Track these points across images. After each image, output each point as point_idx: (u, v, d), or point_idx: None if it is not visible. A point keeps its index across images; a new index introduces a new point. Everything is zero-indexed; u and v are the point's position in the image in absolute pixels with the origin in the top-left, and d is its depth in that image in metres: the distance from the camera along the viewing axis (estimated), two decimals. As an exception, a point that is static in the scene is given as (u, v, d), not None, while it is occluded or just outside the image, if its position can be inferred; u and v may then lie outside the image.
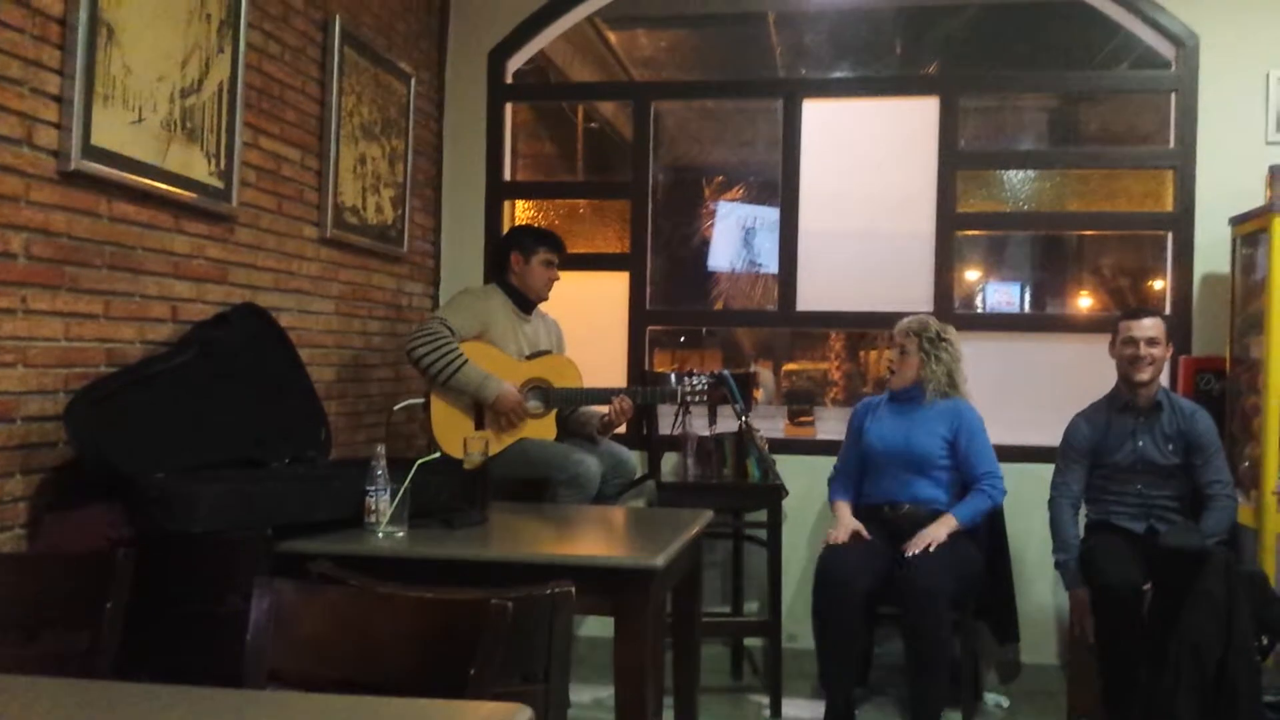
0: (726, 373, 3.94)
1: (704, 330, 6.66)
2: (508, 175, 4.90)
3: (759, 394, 4.60)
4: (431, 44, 4.67)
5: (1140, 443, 3.66)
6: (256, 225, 3.37)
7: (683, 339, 7.03)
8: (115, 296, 2.76)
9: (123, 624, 1.97)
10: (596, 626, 4.09)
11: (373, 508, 2.64)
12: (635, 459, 4.03)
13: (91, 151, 2.61)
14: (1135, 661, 3.26)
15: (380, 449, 2.69)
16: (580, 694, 3.83)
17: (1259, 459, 3.80)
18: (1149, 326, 3.68)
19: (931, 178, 4.56)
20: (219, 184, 3.12)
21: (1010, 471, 3.81)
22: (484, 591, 1.87)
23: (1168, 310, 4.37)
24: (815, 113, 4.70)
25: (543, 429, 3.73)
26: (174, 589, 2.36)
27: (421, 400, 3.78)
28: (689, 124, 6.65)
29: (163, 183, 2.88)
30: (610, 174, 6.72)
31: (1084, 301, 6.64)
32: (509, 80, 4.86)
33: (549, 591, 2.14)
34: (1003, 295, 5.50)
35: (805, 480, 4.34)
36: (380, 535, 2.63)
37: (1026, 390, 4.44)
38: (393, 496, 2.65)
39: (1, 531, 2.45)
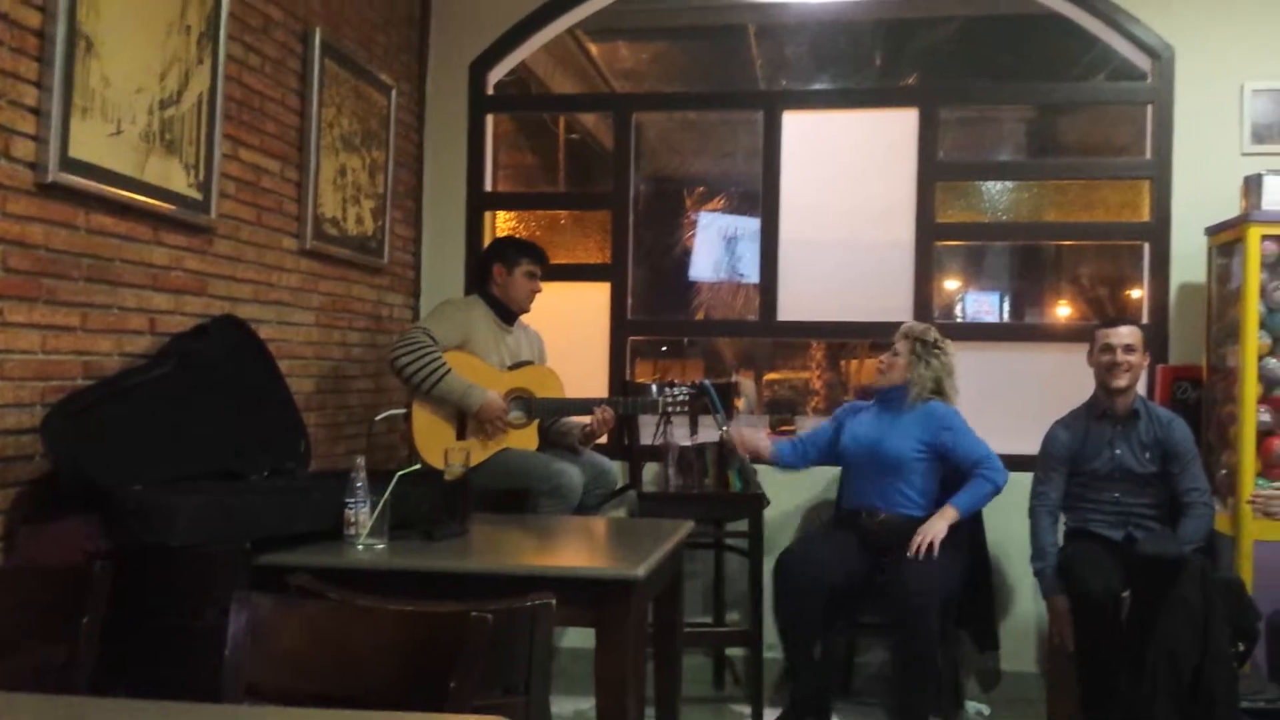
0: (708, 383, 3.94)
1: (686, 340, 6.68)
2: (489, 186, 4.90)
3: (740, 403, 4.62)
4: (412, 56, 4.67)
5: (1118, 451, 3.69)
6: (236, 237, 3.36)
7: (664, 349, 7.05)
8: (93, 309, 2.74)
9: (100, 638, 1.96)
10: (578, 638, 4.09)
11: (352, 520, 2.63)
12: (617, 469, 4.03)
13: (69, 164, 2.59)
14: (1114, 669, 3.28)
15: (360, 460, 2.68)
16: (562, 705, 3.82)
17: (1235, 467, 3.83)
18: (1126, 334, 3.71)
19: (911, 188, 4.59)
20: (198, 195, 3.12)
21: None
22: (464, 604, 1.87)
23: (1145, 319, 4.40)
24: (795, 124, 4.72)
25: (524, 439, 3.73)
26: (151, 602, 2.34)
27: (402, 411, 3.77)
28: (670, 135, 6.67)
29: (141, 194, 2.87)
30: (591, 185, 6.73)
31: (1062, 311, 6.69)
32: (490, 91, 4.87)
33: (529, 603, 2.14)
34: (982, 305, 5.54)
35: (786, 490, 4.35)
36: (360, 548, 2.62)
37: (1005, 399, 4.46)
38: (373, 508, 2.64)
39: (-23, 546, 2.43)
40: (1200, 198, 4.30)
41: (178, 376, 2.86)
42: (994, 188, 4.98)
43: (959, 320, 5.19)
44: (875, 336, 4.43)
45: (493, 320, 3.87)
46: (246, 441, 3.02)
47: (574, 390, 3.96)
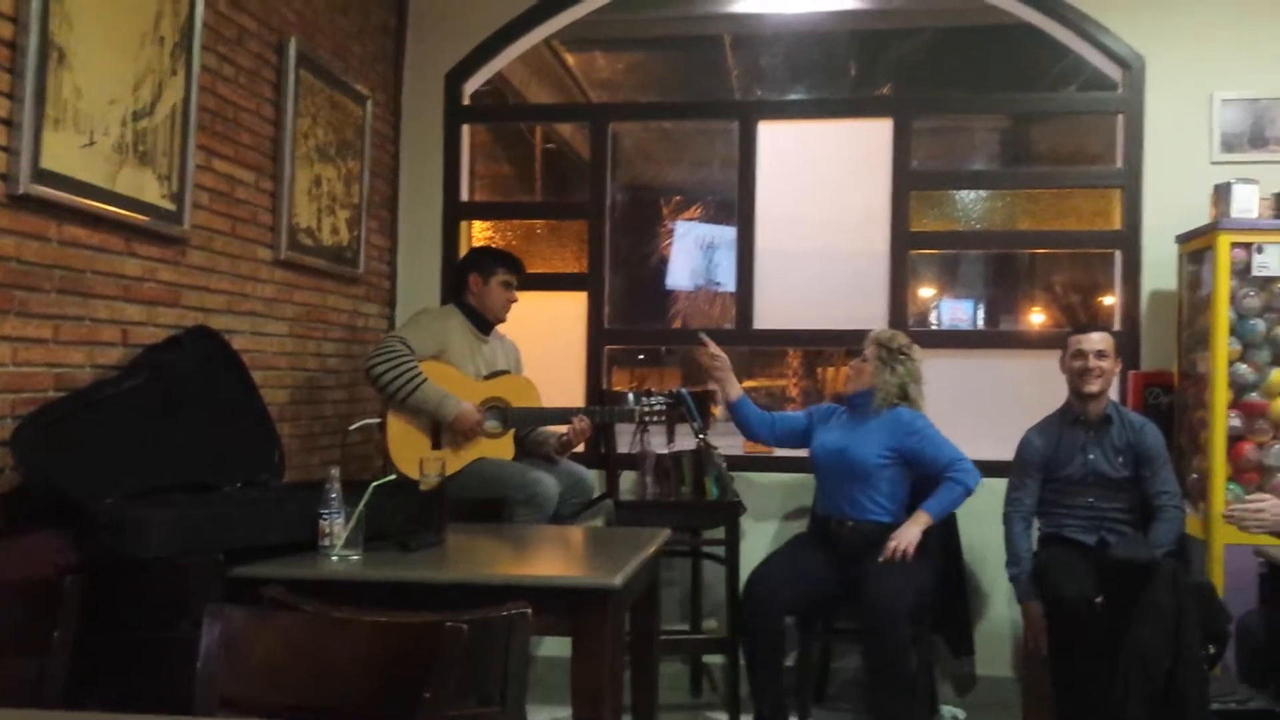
0: (684, 391, 3.95)
1: (664, 349, 6.71)
2: (465, 196, 4.90)
3: (718, 411, 4.63)
4: (388, 66, 4.67)
5: (1091, 456, 3.72)
6: (209, 247, 3.35)
7: (642, 357, 7.07)
8: (64, 320, 2.73)
9: (71, 651, 1.95)
10: (555, 647, 4.08)
11: (327, 531, 2.62)
12: (593, 478, 4.03)
13: (41, 175, 2.58)
14: (1087, 672, 3.30)
15: (334, 471, 2.67)
16: (539, 715, 3.81)
17: (1207, 471, 3.87)
18: (1098, 340, 3.75)
19: (886, 198, 4.62)
20: (171, 206, 3.11)
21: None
22: (440, 614, 1.87)
23: (1117, 326, 4.45)
24: (771, 134, 4.74)
25: (500, 449, 3.73)
26: (124, 615, 2.33)
27: (377, 421, 3.76)
28: (646, 145, 6.70)
29: (114, 206, 2.85)
30: (568, 194, 6.75)
31: (1036, 318, 6.75)
32: (466, 102, 4.87)
33: (505, 613, 2.14)
34: (957, 312, 5.58)
35: (763, 497, 4.37)
36: (335, 559, 2.61)
37: (980, 406, 4.49)
38: (347, 519, 2.63)
39: (-53, 559, 2.41)
40: (1171, 206, 4.35)
41: (150, 388, 2.84)
42: (968, 197, 5.02)
43: (934, 328, 5.22)
44: (851, 345, 4.45)
45: (469, 330, 3.87)
46: (219, 453, 3.00)
47: (551, 399, 3.96)
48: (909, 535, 3.58)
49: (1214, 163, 4.35)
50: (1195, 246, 4.13)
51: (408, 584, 2.52)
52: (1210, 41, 4.42)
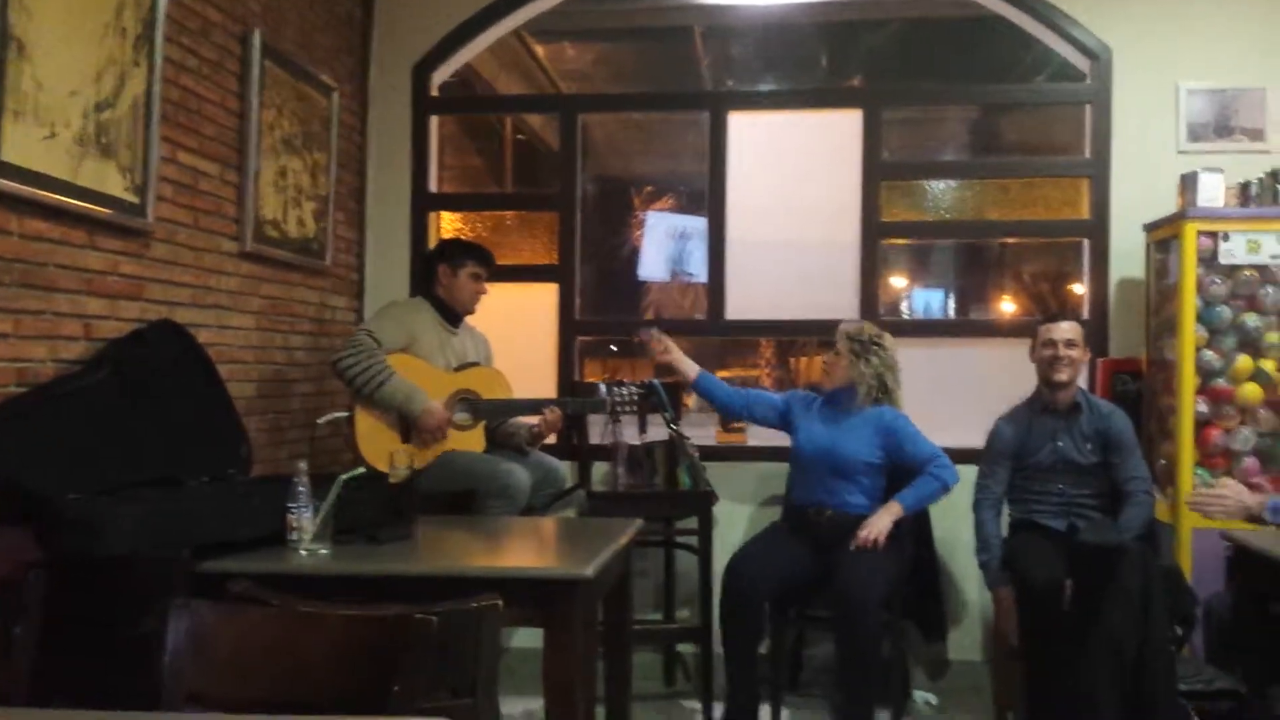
0: (656, 381, 3.95)
1: (636, 339, 6.70)
2: (434, 187, 4.87)
3: (690, 401, 4.63)
4: (354, 57, 4.63)
5: (1060, 443, 3.75)
6: (173, 240, 3.31)
7: (614, 349, 7.06)
8: (26, 315, 2.69)
9: (37, 648, 1.93)
10: (529, 638, 4.08)
11: (295, 525, 2.60)
12: (565, 469, 4.02)
13: (1, 168, 2.54)
14: (1057, 656, 3.32)
15: (302, 464, 2.65)
16: (512, 706, 3.81)
17: (1174, 457, 3.91)
18: (1067, 329, 3.77)
19: (856, 188, 4.63)
20: (134, 199, 3.07)
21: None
22: (410, 607, 1.86)
23: (1085, 314, 4.48)
24: (741, 125, 4.74)
25: (471, 441, 3.71)
26: (90, 612, 2.30)
27: (346, 414, 3.74)
28: (617, 136, 6.68)
29: (76, 199, 2.82)
30: (539, 185, 6.72)
31: (1007, 306, 6.79)
32: (434, 93, 4.84)
33: (474, 605, 2.13)
34: (928, 302, 5.61)
35: (736, 486, 4.38)
36: (303, 553, 2.59)
37: (951, 394, 4.51)
38: (316, 513, 2.61)
39: (-92, 558, 2.37)
40: (1138, 195, 4.39)
41: (114, 383, 2.81)
42: (938, 187, 5.04)
43: (905, 317, 5.24)
44: (823, 335, 4.45)
45: (438, 322, 3.84)
46: (185, 448, 2.97)
47: (523, 392, 3.94)
48: (879, 524, 3.59)
49: (1180, 152, 4.39)
50: (1162, 235, 4.16)
51: (378, 577, 2.50)
52: (1176, 32, 4.45)
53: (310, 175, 4.14)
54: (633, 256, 5.52)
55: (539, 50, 6.15)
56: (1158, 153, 4.41)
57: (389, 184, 4.75)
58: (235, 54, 3.63)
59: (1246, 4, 4.42)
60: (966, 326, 5.54)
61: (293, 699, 1.73)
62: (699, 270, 4.91)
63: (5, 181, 2.56)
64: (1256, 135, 4.36)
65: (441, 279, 3.88)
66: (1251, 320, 3.90)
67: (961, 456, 3.86)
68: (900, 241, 5.41)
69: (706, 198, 4.74)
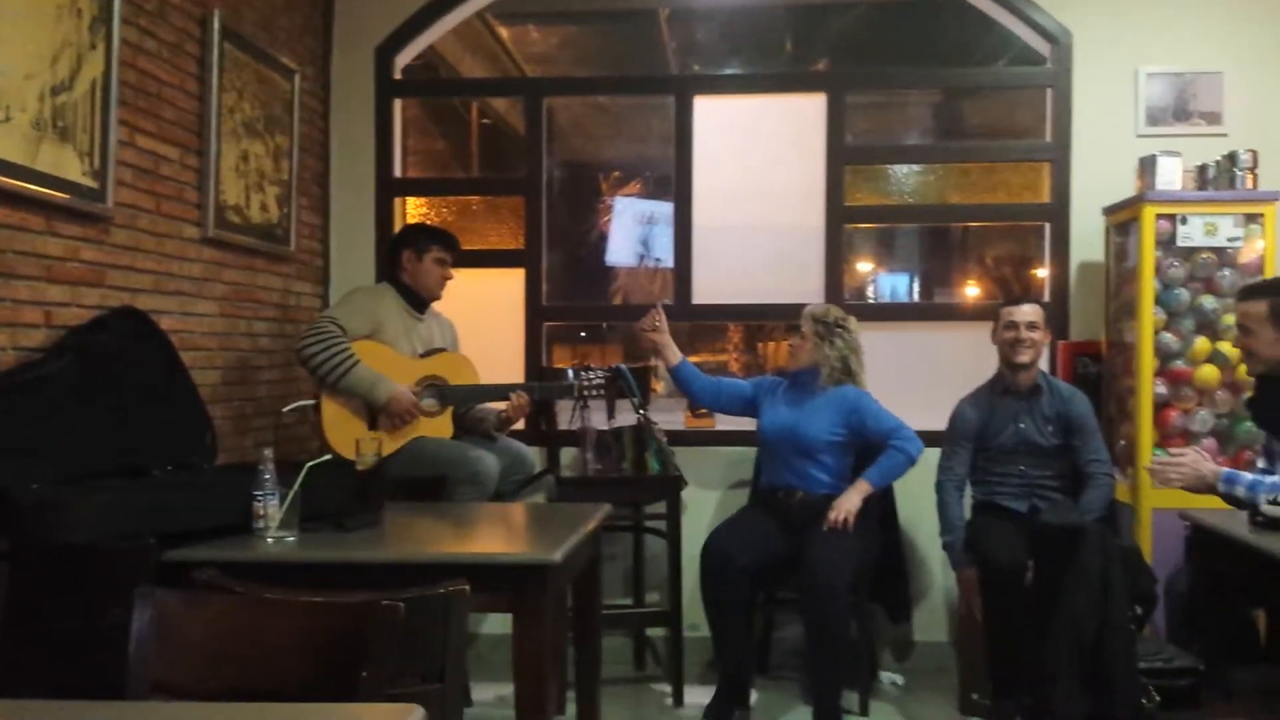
0: (623, 366, 3.95)
1: (605, 325, 6.69)
2: (398, 172, 4.83)
3: (659, 386, 4.64)
4: (316, 40, 4.58)
5: (1022, 425, 3.79)
6: (134, 226, 3.27)
7: (584, 334, 7.05)
8: (-16, 302, 2.65)
9: (0, 639, 1.91)
10: (499, 624, 4.08)
11: (261, 512, 2.58)
12: (534, 455, 4.02)
13: (-46, 152, 2.50)
14: (1020, 636, 3.37)
15: (267, 452, 2.63)
16: (483, 692, 3.82)
17: (1134, 438, 3.97)
18: (1028, 312, 3.82)
19: (821, 172, 4.64)
20: (93, 184, 3.02)
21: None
22: (378, 594, 1.85)
23: (1046, 297, 4.52)
24: (707, 109, 4.74)
25: (439, 427, 3.70)
26: (53, 602, 2.28)
27: (312, 402, 3.71)
28: (583, 119, 6.65)
29: (33, 184, 2.77)
30: (505, 170, 6.69)
31: (970, 290, 6.84)
32: (398, 76, 4.80)
33: (442, 590, 2.13)
34: (893, 286, 5.65)
35: (705, 471, 4.39)
36: (270, 540, 2.58)
37: (915, 377, 4.55)
38: (282, 500, 2.60)
39: None
40: (1098, 179, 4.43)
41: (76, 371, 2.78)
42: (901, 171, 5.07)
43: (871, 301, 5.27)
44: (790, 319, 4.47)
45: (403, 308, 3.82)
46: (148, 436, 2.95)
47: (490, 378, 3.93)
48: (849, 503, 3.62)
49: (1139, 135, 4.44)
50: (1121, 218, 4.21)
51: (346, 564, 2.49)
52: (1135, 16, 4.49)
53: (273, 160, 4.10)
54: (600, 242, 5.51)
55: (503, 33, 6.11)
56: (1117, 136, 4.45)
57: (352, 168, 4.71)
58: (194, 36, 3.59)
59: (1205, -11, 4.47)
60: (930, 310, 5.59)
61: (260, 687, 1.72)
62: (666, 255, 4.92)
63: (-40, 167, 2.52)
64: (1214, 119, 4.42)
65: (406, 265, 3.85)
66: (1209, 302, 3.96)
67: (926, 439, 3.88)
68: (865, 226, 5.44)
69: (673, 182, 4.73)
